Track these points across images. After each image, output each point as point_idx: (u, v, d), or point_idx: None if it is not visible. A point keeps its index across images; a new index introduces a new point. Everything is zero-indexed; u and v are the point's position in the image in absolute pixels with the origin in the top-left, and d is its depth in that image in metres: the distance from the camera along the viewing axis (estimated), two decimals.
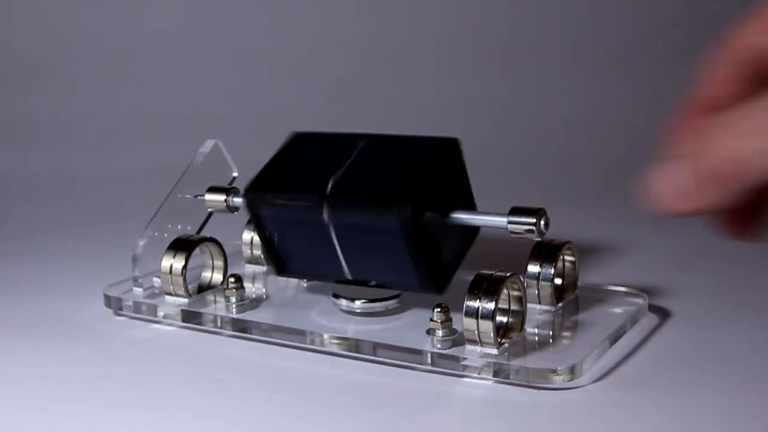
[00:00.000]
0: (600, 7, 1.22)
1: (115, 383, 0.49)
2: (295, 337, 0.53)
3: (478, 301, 0.47)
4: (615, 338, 0.52)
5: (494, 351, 0.48)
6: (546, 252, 0.55)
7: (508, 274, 0.49)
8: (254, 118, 1.12)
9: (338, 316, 0.55)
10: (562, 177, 1.03)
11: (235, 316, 0.56)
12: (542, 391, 0.46)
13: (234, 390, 0.48)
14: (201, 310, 0.57)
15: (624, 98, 1.16)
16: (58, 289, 0.65)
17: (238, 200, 0.60)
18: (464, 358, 0.48)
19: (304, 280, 0.61)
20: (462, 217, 0.52)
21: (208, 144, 0.64)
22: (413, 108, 1.16)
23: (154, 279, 0.60)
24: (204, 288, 0.60)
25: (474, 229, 0.56)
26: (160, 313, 0.58)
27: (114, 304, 0.59)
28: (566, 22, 1.23)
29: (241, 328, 0.55)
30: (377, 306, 0.55)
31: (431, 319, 0.50)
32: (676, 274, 0.65)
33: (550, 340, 0.51)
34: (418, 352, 0.49)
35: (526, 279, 0.54)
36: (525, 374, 0.47)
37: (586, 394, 0.46)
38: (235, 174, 0.64)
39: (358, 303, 0.55)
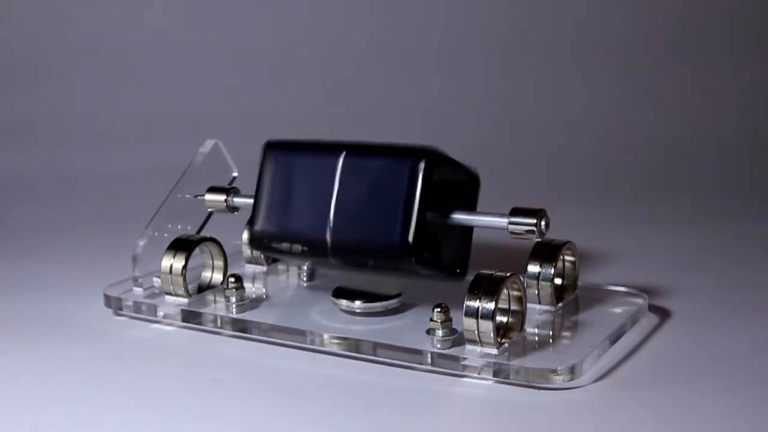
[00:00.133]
0: (600, 7, 1.22)
1: (115, 383, 0.49)
2: (295, 337, 0.53)
3: (478, 301, 0.47)
4: (615, 338, 0.52)
5: (494, 351, 0.48)
6: (546, 252, 0.55)
7: (508, 274, 0.49)
8: (254, 118, 1.12)
9: (338, 316, 0.55)
10: (562, 177, 1.03)
11: (235, 316, 0.56)
12: (542, 391, 0.46)
13: (234, 390, 0.48)
14: (201, 310, 0.57)
15: (624, 98, 1.16)
16: (58, 289, 0.65)
17: (238, 200, 0.60)
18: (464, 358, 0.48)
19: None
20: (462, 217, 0.52)
21: (208, 144, 0.64)
22: (413, 108, 1.16)
23: (154, 279, 0.60)
24: (204, 288, 0.60)
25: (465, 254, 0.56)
26: (160, 313, 0.58)
27: (114, 304, 0.59)
28: (566, 22, 1.23)
29: (241, 328, 0.55)
30: (377, 306, 0.55)
31: (431, 319, 0.50)
32: (676, 274, 0.65)
33: (550, 340, 0.51)
34: (418, 352, 0.49)
35: (526, 279, 0.54)
36: (525, 374, 0.47)
37: (586, 394, 0.46)
38: (235, 174, 0.65)
39: (358, 303, 0.55)
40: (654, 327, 0.55)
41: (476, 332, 0.47)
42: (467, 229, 0.54)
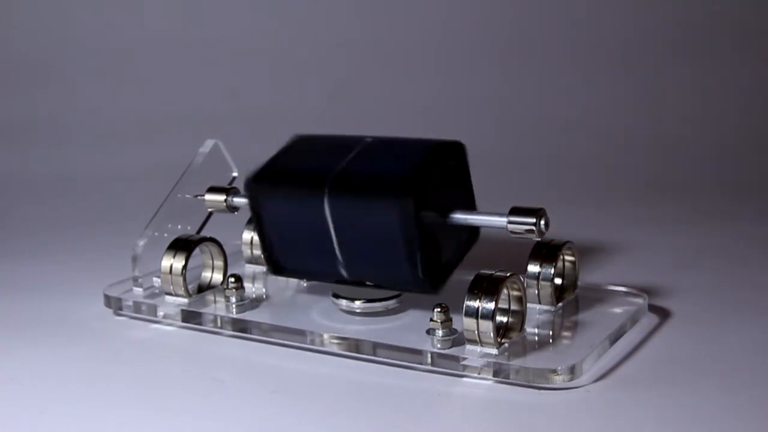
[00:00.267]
0: (600, 7, 1.22)
1: (115, 383, 0.49)
2: (295, 337, 0.53)
3: (478, 301, 0.47)
4: (615, 338, 0.52)
5: (494, 351, 0.48)
6: (546, 252, 0.55)
7: (508, 274, 0.49)
8: (254, 118, 1.12)
9: (338, 316, 0.55)
10: (562, 177, 1.03)
11: (235, 316, 0.56)
12: (542, 391, 0.46)
13: (234, 390, 0.48)
14: (201, 310, 0.57)
15: (624, 98, 1.16)
16: (58, 289, 0.65)
17: (238, 200, 0.60)
18: (464, 358, 0.48)
19: (303, 280, 0.61)
20: (462, 217, 0.52)
21: (208, 144, 0.64)
22: (413, 108, 1.16)
23: (154, 279, 0.60)
24: (204, 288, 0.60)
25: (474, 232, 0.56)
26: (160, 313, 0.58)
27: (114, 304, 0.59)
28: (566, 22, 1.23)
29: (241, 328, 0.55)
30: (377, 306, 0.55)
31: (431, 319, 0.50)
32: (676, 274, 0.65)
33: (550, 340, 0.51)
34: (418, 352, 0.49)
35: (526, 279, 0.54)
36: (525, 374, 0.47)
37: (586, 394, 0.46)
38: (235, 174, 0.65)
39: (358, 303, 0.55)
40: (654, 327, 0.55)
41: (476, 332, 0.47)
42: (465, 242, 0.55)
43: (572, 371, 0.47)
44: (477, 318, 0.47)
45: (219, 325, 0.56)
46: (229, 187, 0.61)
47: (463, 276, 0.53)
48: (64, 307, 0.61)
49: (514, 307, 0.50)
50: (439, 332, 0.49)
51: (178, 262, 0.57)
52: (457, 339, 0.49)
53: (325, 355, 0.52)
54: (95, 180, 1.02)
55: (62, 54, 1.18)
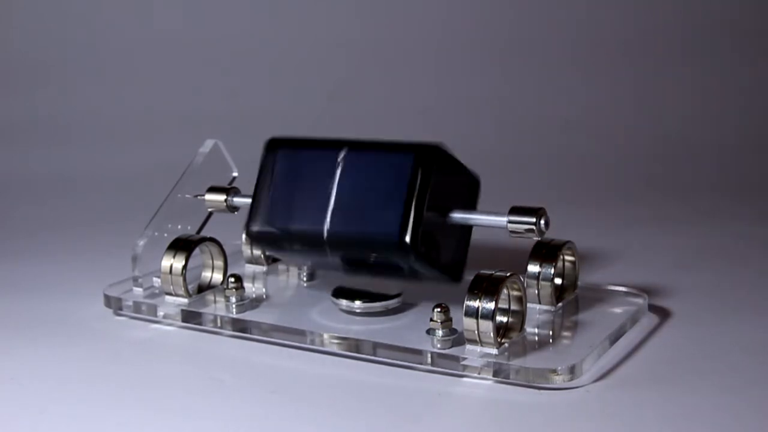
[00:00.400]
0: (600, 7, 1.22)
1: (115, 383, 0.49)
2: (295, 337, 0.53)
3: (478, 301, 0.47)
4: (615, 338, 0.52)
5: (494, 351, 0.48)
6: (546, 252, 0.55)
7: (508, 274, 0.49)
8: (254, 118, 1.12)
9: (338, 316, 0.55)
10: (562, 177, 1.03)
11: (235, 316, 0.56)
12: (542, 391, 0.46)
13: (234, 390, 0.48)
14: (201, 310, 0.57)
15: (624, 98, 1.16)
16: (58, 289, 0.65)
17: (238, 200, 0.60)
18: (464, 358, 0.48)
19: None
20: (462, 216, 0.52)
21: (208, 144, 0.64)
22: (413, 108, 1.16)
23: (154, 279, 0.60)
24: (204, 288, 0.60)
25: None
26: (160, 313, 0.58)
27: (114, 304, 0.59)
28: (566, 22, 1.23)
29: (241, 328, 0.55)
30: (377, 306, 0.55)
31: (431, 319, 0.50)
32: (676, 274, 0.65)
33: (550, 340, 0.51)
34: (418, 352, 0.49)
35: (526, 279, 0.54)
36: (525, 374, 0.47)
37: (586, 394, 0.46)
38: (235, 174, 0.65)
39: (358, 303, 0.55)
40: (654, 327, 0.55)
41: (476, 332, 0.47)
42: (466, 232, 0.54)
43: (572, 371, 0.47)
44: (477, 318, 0.47)
45: (219, 325, 0.56)
46: (229, 187, 0.61)
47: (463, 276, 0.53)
48: (64, 307, 0.61)
49: (514, 307, 0.50)
50: (439, 332, 0.49)
51: (178, 262, 0.57)
52: (457, 339, 0.49)
53: (325, 355, 0.52)
54: (95, 180, 1.02)
55: (62, 54, 1.18)
